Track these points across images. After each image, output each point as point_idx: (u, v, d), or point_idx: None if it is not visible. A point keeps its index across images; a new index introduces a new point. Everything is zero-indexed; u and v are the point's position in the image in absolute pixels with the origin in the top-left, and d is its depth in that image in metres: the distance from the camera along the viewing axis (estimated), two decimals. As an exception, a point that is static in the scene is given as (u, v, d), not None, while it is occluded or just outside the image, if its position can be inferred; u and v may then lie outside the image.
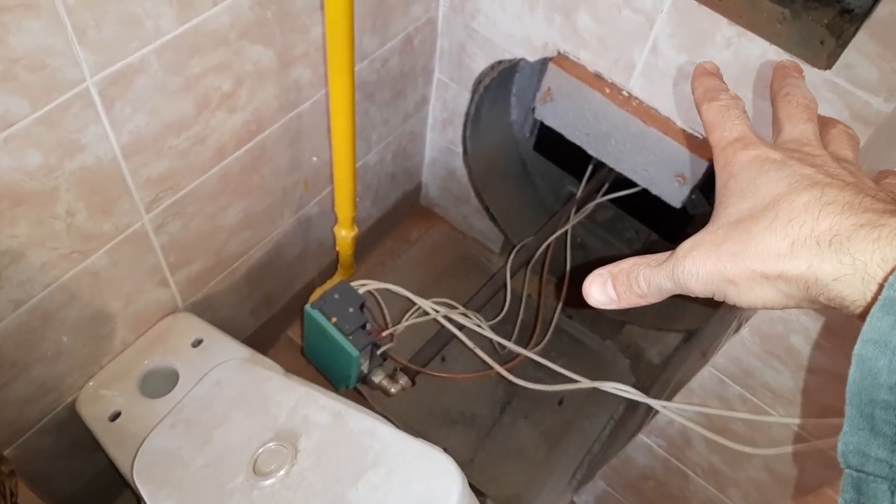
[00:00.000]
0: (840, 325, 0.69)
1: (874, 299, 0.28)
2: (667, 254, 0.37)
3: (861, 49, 0.80)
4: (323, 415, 0.77)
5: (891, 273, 0.27)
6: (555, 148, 1.45)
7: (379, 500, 0.70)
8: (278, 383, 0.83)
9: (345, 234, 1.14)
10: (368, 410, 0.83)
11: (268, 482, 0.73)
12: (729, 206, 0.36)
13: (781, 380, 0.78)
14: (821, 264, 0.30)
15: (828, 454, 0.80)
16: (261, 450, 0.76)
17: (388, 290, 1.16)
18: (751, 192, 0.35)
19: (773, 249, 0.32)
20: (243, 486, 0.74)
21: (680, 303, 1.41)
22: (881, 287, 0.28)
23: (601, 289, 0.39)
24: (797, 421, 0.79)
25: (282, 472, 0.74)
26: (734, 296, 0.34)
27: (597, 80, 1.06)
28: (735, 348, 0.80)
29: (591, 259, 1.52)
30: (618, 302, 0.38)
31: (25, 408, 0.94)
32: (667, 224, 1.40)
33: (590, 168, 1.40)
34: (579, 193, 1.37)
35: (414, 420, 1.30)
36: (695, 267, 0.35)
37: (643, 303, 0.38)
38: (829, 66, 0.83)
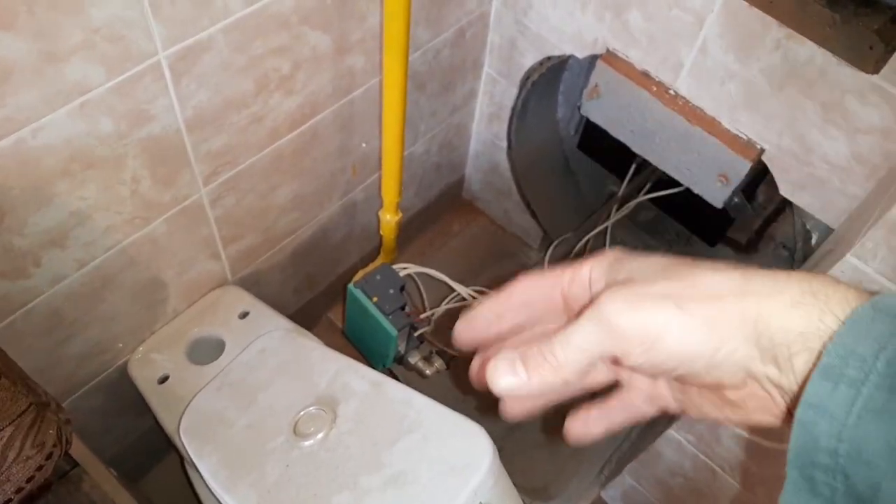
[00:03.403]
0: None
1: (814, 365, 0.28)
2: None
3: (911, 54, 0.80)
4: (362, 383, 0.81)
5: (829, 340, 0.28)
6: (599, 147, 1.47)
7: (413, 463, 0.73)
8: (320, 353, 0.86)
9: (389, 219, 1.18)
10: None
11: (307, 443, 0.77)
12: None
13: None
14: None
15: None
16: (302, 413, 0.80)
17: (427, 275, 1.19)
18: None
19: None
20: (283, 446, 0.77)
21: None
22: (820, 354, 0.29)
23: (510, 368, 0.33)
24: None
25: (321, 435, 0.77)
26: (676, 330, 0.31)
27: (644, 78, 1.08)
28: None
29: (629, 259, 1.53)
30: (527, 382, 0.33)
31: (81, 365, 0.99)
32: (708, 227, 1.40)
33: (633, 167, 1.41)
34: (621, 192, 1.39)
35: (445, 405, 1.32)
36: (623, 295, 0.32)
37: (557, 380, 0.33)
38: (876, 71, 0.84)
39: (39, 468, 0.75)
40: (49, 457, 0.76)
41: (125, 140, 0.80)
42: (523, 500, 1.29)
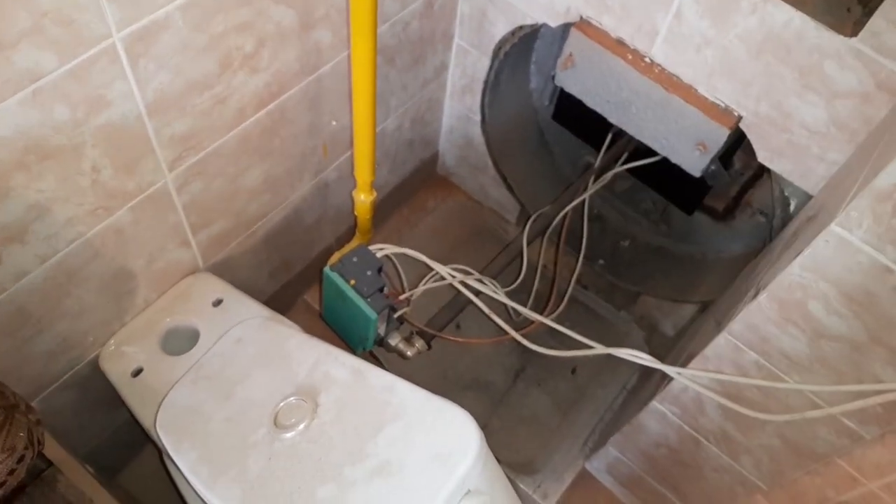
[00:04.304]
0: (858, 292, 0.69)
1: None
2: None
3: (888, 16, 0.79)
4: (343, 371, 0.79)
5: None
6: (574, 117, 1.44)
7: (398, 452, 0.72)
8: (299, 341, 0.84)
9: (363, 199, 1.15)
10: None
11: (288, 435, 0.75)
12: None
13: (798, 346, 0.78)
14: None
15: (841, 421, 0.81)
16: (282, 404, 0.78)
17: (405, 255, 1.16)
18: None
19: None
20: (264, 439, 0.75)
21: (696, 274, 1.41)
22: None
23: None
24: (813, 388, 0.80)
25: (302, 426, 0.75)
26: None
27: (619, 47, 1.05)
28: (752, 315, 0.80)
29: (607, 229, 1.52)
30: None
31: (50, 362, 0.96)
32: (685, 196, 1.39)
33: (608, 138, 1.39)
34: (598, 163, 1.37)
35: (428, 385, 1.30)
36: None
37: None
38: (854, 34, 0.82)
39: (11, 472, 0.72)
40: (21, 460, 0.73)
41: (82, 128, 0.76)
42: (508, 475, 1.29)
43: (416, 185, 1.59)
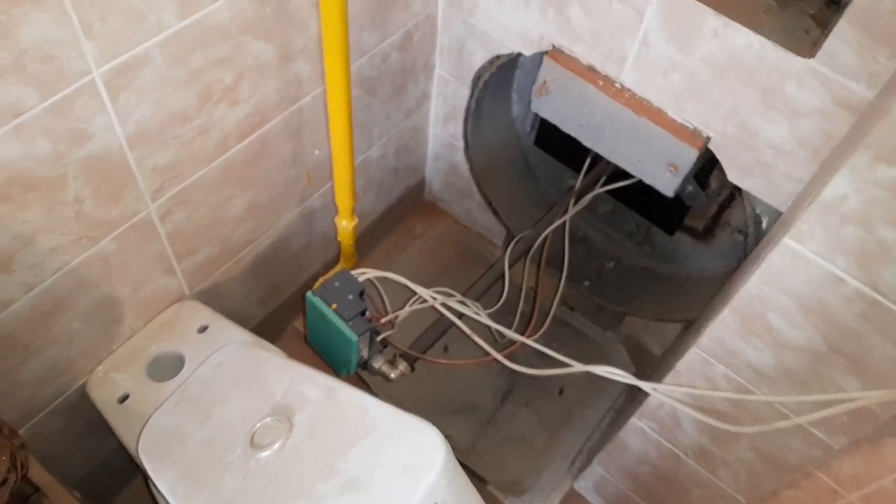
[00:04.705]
0: (814, 303, 0.71)
1: None
2: None
3: (842, 37, 0.82)
4: (316, 391, 0.81)
5: None
6: (556, 142, 1.48)
7: (367, 467, 0.73)
8: (276, 363, 0.86)
9: (346, 225, 1.18)
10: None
11: (264, 454, 0.77)
12: None
13: (762, 358, 0.80)
14: None
15: (809, 431, 0.82)
16: (258, 425, 0.80)
17: (389, 280, 1.19)
18: None
19: None
20: (240, 458, 0.77)
21: (680, 293, 1.43)
22: None
23: None
24: (779, 399, 0.81)
25: (277, 445, 0.77)
26: None
27: (590, 73, 1.08)
28: (718, 328, 0.82)
29: (592, 251, 1.55)
30: None
31: (38, 389, 0.98)
32: (666, 216, 1.42)
33: (588, 161, 1.42)
34: (577, 185, 1.40)
35: (417, 408, 1.31)
36: None
37: None
38: (812, 55, 0.85)
39: (-6, 496, 0.74)
40: (4, 483, 0.75)
41: (64, 160, 0.79)
42: (497, 496, 1.30)
43: (403, 211, 1.62)
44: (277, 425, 0.79)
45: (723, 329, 0.81)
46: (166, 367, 1.03)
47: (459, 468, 0.79)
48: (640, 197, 1.41)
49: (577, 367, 1.01)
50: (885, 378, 0.71)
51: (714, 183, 1.32)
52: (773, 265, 0.72)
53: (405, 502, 0.71)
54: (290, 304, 1.41)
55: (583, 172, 1.42)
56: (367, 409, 0.79)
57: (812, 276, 0.69)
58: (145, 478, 0.98)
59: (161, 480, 0.78)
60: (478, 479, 1.30)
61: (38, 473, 0.88)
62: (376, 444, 0.75)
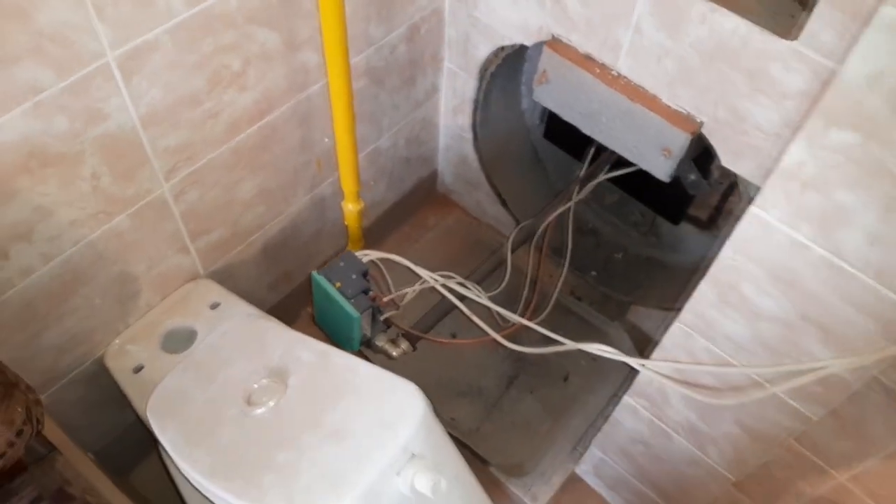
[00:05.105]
0: (783, 271, 0.73)
1: None
2: None
3: (823, 17, 0.84)
4: (311, 354, 0.86)
5: None
6: (564, 135, 1.51)
7: (350, 421, 0.78)
8: (276, 331, 0.91)
9: (351, 208, 1.22)
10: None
11: (259, 411, 0.82)
12: None
13: (738, 329, 0.82)
14: None
15: (785, 402, 0.84)
16: (255, 385, 0.85)
17: (394, 265, 1.23)
18: None
19: None
20: (237, 415, 0.82)
21: (685, 282, 1.45)
22: None
23: None
24: (756, 370, 0.83)
25: (272, 403, 0.82)
26: None
27: (587, 61, 1.12)
28: (696, 301, 0.85)
29: (600, 242, 1.57)
30: None
31: (59, 358, 1.04)
32: (670, 206, 1.44)
33: (591, 150, 1.45)
34: (582, 174, 1.43)
35: (421, 388, 1.37)
36: None
37: None
38: (795, 37, 0.88)
39: (11, 444, 0.80)
40: (19, 433, 0.80)
41: (81, 138, 0.85)
42: (498, 477, 1.33)
43: (416, 202, 1.66)
44: (273, 385, 0.84)
45: (701, 301, 0.84)
46: (179, 341, 1.09)
47: (439, 425, 0.83)
48: (645, 187, 1.44)
49: (570, 344, 1.04)
50: (855, 345, 0.73)
51: (716, 172, 1.34)
52: (743, 235, 0.74)
53: (383, 450, 0.75)
54: (302, 291, 1.46)
55: (587, 161, 1.45)
56: (356, 371, 0.83)
57: (779, 244, 0.72)
58: (159, 452, 1.04)
59: (164, 437, 0.83)
60: (480, 461, 1.33)
61: (53, 432, 0.94)
62: (360, 401, 0.80)
